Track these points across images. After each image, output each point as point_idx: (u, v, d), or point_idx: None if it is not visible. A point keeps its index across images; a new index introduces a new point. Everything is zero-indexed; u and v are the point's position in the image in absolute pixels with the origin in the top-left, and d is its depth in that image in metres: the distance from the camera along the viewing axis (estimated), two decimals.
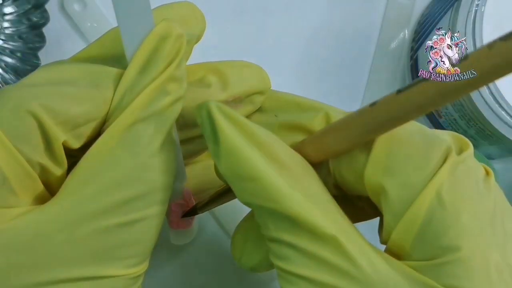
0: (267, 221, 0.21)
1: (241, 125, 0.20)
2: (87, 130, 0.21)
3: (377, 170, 0.21)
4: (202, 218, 0.36)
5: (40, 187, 0.21)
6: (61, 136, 0.21)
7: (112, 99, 0.21)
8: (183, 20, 0.23)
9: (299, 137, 0.23)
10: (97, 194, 0.21)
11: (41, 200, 0.21)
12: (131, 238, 0.21)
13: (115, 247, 0.21)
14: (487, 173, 0.22)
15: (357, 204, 0.25)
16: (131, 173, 0.21)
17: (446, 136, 0.22)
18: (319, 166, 0.23)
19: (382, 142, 0.21)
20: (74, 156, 0.22)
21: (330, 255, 0.20)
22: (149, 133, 0.21)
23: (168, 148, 0.22)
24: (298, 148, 0.23)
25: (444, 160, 0.20)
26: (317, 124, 0.24)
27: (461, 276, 0.19)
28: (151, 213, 0.22)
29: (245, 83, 0.26)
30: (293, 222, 0.20)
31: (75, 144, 0.21)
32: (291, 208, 0.20)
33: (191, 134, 0.27)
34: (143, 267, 0.23)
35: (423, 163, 0.20)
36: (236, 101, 0.26)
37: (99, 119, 0.21)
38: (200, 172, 0.30)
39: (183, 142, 0.26)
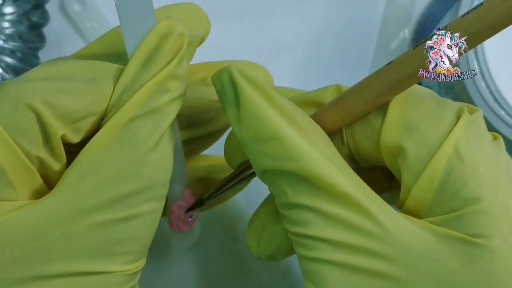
0: (284, 187, 0.21)
1: (262, 89, 0.21)
2: (86, 125, 0.21)
3: (394, 131, 0.21)
4: (203, 220, 0.36)
5: (39, 181, 0.21)
6: (59, 130, 0.21)
7: (112, 94, 0.21)
8: (187, 21, 0.23)
9: (312, 111, 0.23)
10: (94, 189, 0.21)
11: (39, 194, 0.21)
12: (127, 234, 0.21)
13: (112, 243, 0.21)
14: (495, 138, 0.22)
15: (370, 177, 0.25)
16: (128, 169, 0.21)
17: (456, 102, 0.22)
18: (332, 138, 0.23)
19: (396, 105, 0.22)
20: (73, 153, 0.22)
21: (351, 215, 0.20)
22: (147, 130, 0.21)
23: (166, 145, 0.22)
24: (313, 118, 0.23)
25: (458, 119, 0.21)
26: (329, 96, 0.24)
27: (484, 224, 0.20)
28: (147, 210, 0.22)
29: None
30: (312, 184, 0.20)
31: (74, 139, 0.21)
32: (312, 167, 0.20)
33: (194, 134, 0.27)
34: (139, 265, 0.22)
35: (439, 121, 0.21)
36: None
37: (98, 114, 0.21)
38: (203, 173, 0.30)
39: (185, 142, 0.26)
